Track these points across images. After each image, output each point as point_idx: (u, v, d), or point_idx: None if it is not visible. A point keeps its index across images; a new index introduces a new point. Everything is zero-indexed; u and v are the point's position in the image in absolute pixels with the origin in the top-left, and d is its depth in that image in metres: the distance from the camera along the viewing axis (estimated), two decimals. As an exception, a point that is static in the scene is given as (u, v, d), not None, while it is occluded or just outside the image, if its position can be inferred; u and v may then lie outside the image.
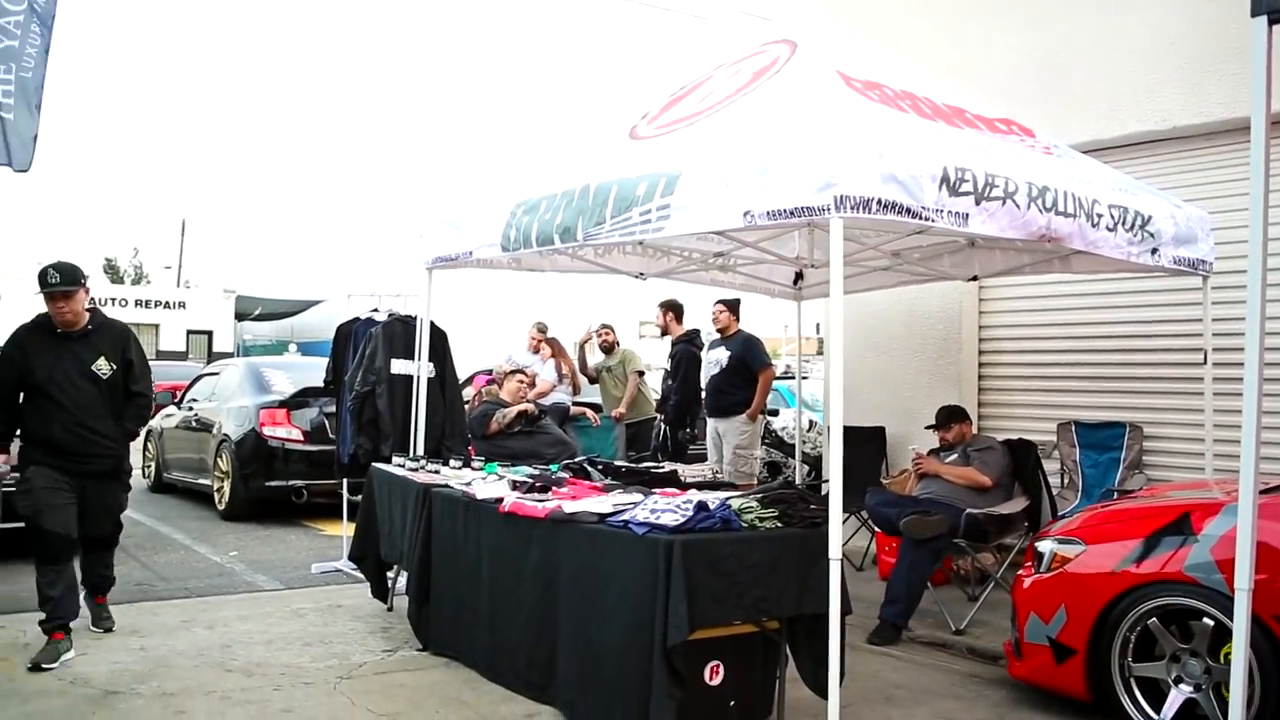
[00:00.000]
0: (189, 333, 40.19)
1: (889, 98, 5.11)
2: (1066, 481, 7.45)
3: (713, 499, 4.46)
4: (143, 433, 12.64)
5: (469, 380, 12.34)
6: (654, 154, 5.24)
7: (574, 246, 5.69)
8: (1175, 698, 4.31)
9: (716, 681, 4.40)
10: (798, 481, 8.63)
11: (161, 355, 35.14)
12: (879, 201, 4.15)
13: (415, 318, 7.40)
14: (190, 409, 12.15)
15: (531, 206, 5.61)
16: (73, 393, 5.37)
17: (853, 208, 4.09)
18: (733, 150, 4.68)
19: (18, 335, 5.50)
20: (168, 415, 12.77)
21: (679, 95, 6.03)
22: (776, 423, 11.21)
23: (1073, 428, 7.49)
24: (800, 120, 4.70)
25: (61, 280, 5.34)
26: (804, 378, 9.38)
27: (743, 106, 5.24)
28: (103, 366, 5.48)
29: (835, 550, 4.06)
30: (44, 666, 5.09)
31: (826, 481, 7.92)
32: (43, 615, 5.27)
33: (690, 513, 4.26)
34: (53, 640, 5.24)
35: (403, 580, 6.26)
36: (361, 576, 6.75)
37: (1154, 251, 5.66)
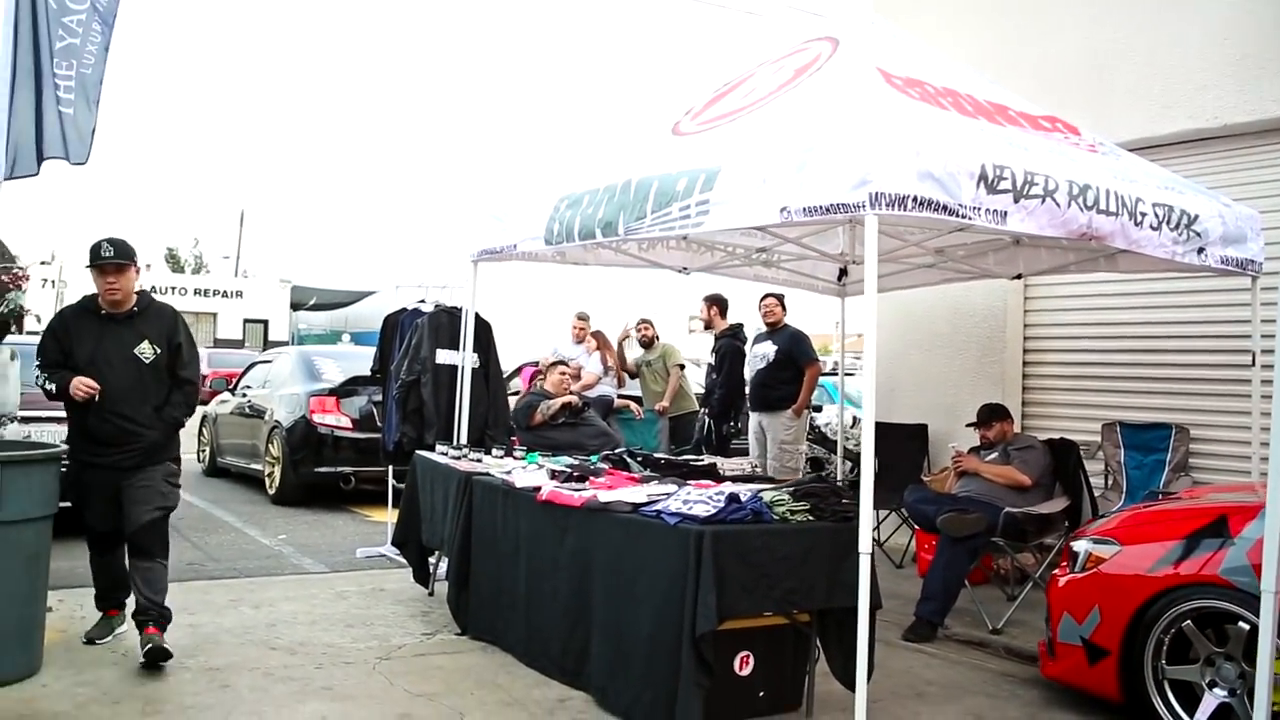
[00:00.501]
0: (245, 321, 40.96)
1: (929, 95, 5.11)
2: (1110, 483, 7.39)
3: (745, 491, 4.51)
4: (198, 418, 12.99)
5: (516, 372, 12.49)
6: (695, 150, 5.29)
7: (616, 241, 5.75)
8: (1209, 702, 4.28)
9: (746, 672, 4.45)
10: (839, 477, 8.63)
11: (219, 343, 35.90)
12: (914, 199, 4.17)
13: (460, 309, 7.51)
14: (244, 396, 12.42)
15: (574, 201, 5.69)
16: (110, 377, 5.06)
17: (888, 205, 4.11)
18: (771, 147, 4.72)
19: (62, 315, 5.37)
20: (222, 401, 13.07)
21: (722, 92, 6.07)
22: (820, 418, 11.20)
23: (1117, 428, 7.42)
24: (838, 117, 4.72)
25: (115, 254, 5.13)
26: (848, 374, 9.36)
27: (783, 103, 5.27)
28: (145, 350, 5.19)
29: (865, 544, 4.09)
30: (96, 641, 5.26)
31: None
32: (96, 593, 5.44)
33: (721, 504, 4.31)
34: (106, 616, 5.39)
35: (444, 566, 6.39)
36: (404, 561, 6.88)
37: (1200, 251, 5.59)
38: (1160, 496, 6.25)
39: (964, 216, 4.37)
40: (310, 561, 7.80)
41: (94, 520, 5.23)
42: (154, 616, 5.04)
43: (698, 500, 4.41)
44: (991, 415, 6.88)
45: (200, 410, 13.14)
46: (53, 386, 5.06)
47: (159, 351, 5.22)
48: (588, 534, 4.76)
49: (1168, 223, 5.33)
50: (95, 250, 5.12)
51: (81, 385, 4.98)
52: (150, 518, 5.13)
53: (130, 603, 5.24)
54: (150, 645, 4.90)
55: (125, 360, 5.13)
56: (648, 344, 10.48)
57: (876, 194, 4.09)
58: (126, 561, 5.23)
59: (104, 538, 5.28)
